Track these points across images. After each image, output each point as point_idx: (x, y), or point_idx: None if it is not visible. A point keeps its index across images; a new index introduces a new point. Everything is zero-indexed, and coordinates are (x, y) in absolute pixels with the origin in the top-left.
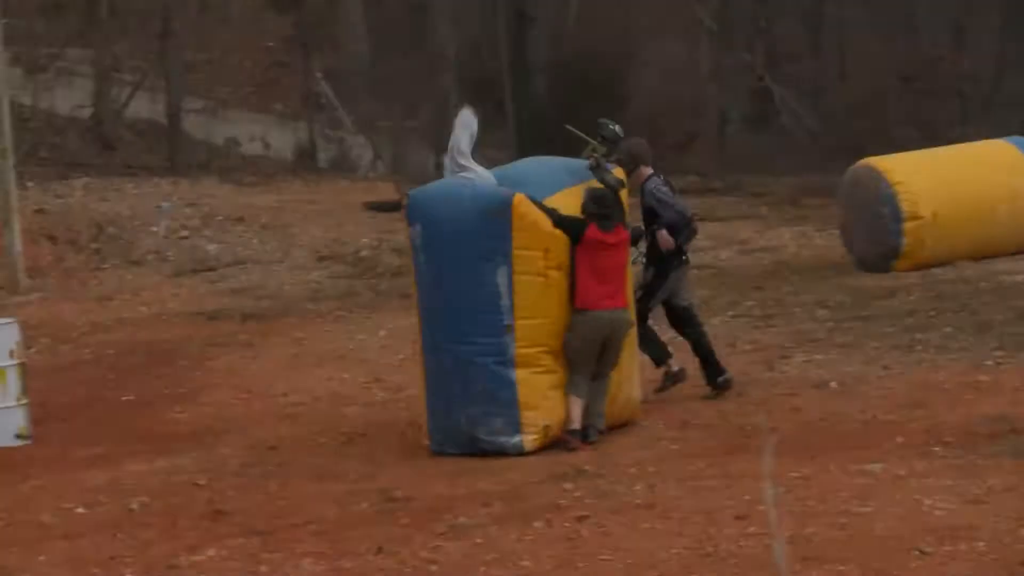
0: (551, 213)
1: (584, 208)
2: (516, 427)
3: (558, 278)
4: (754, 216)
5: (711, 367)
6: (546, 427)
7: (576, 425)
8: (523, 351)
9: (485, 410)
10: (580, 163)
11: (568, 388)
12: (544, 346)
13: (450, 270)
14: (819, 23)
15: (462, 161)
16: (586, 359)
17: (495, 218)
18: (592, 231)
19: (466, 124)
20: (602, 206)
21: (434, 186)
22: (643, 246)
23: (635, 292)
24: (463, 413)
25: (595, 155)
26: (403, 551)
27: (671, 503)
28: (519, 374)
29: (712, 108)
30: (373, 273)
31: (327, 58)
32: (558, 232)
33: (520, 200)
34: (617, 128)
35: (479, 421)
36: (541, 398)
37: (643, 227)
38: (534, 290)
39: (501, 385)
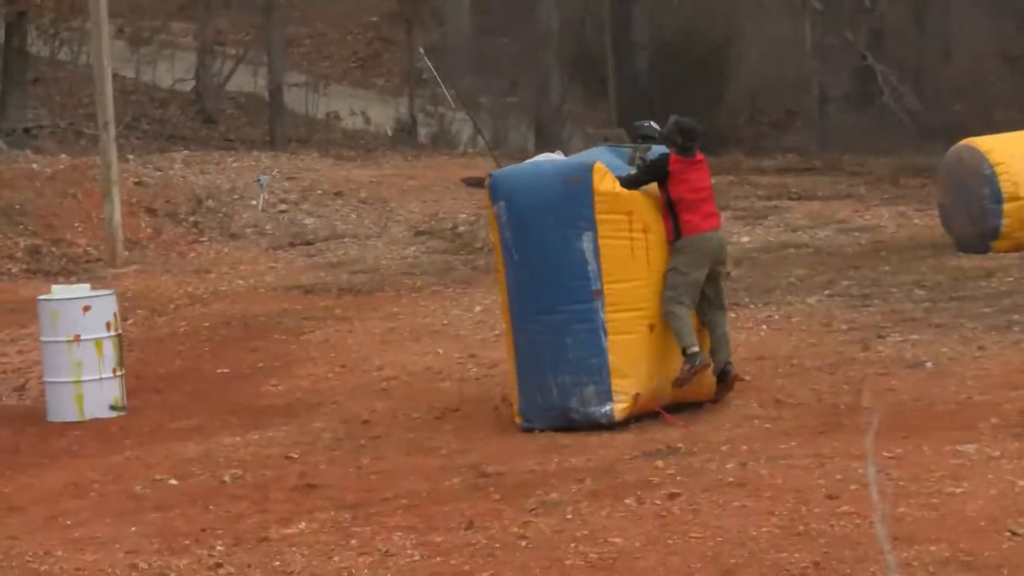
0: (628, 177)
1: (668, 137)
2: (607, 395)
3: (644, 240)
4: (853, 195)
5: None
6: (636, 395)
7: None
8: (613, 316)
9: (576, 379)
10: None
11: (670, 319)
12: (635, 310)
13: (536, 241)
14: (924, 3)
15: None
16: (694, 289)
17: (576, 185)
18: (675, 161)
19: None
20: (684, 136)
21: (515, 165)
22: None
23: None
24: (554, 384)
25: (638, 155)
26: (493, 526)
27: (762, 481)
28: (610, 340)
29: (814, 86)
30: (470, 249)
31: (430, 34)
32: (639, 195)
33: (599, 167)
34: (652, 123)
35: (570, 391)
36: (632, 365)
37: None
38: (621, 254)
39: (592, 352)
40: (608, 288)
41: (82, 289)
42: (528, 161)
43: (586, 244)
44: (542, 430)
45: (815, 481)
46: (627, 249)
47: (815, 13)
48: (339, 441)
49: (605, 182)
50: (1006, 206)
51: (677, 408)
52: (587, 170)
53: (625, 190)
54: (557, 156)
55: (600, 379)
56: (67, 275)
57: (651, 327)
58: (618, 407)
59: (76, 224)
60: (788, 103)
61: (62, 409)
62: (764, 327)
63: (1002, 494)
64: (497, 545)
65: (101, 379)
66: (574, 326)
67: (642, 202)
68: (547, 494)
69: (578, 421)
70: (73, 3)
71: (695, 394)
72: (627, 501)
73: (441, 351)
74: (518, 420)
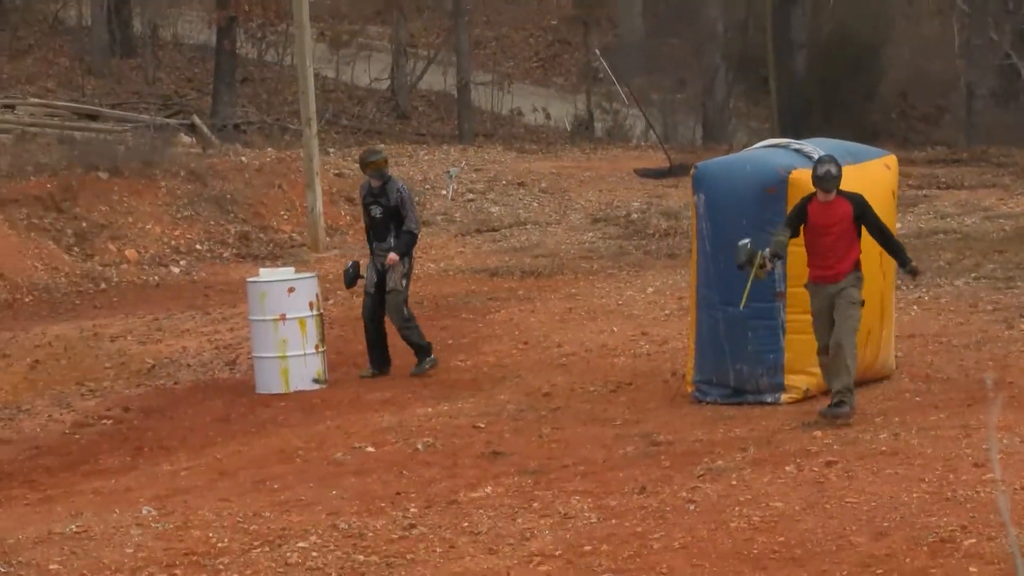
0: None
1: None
2: (780, 387)
3: None
4: (998, 185)
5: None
6: (806, 391)
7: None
8: (793, 316)
9: (752, 370)
10: (858, 145)
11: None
12: None
13: (729, 238)
14: None
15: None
16: None
17: (772, 194)
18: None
19: None
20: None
21: (717, 160)
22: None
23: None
24: (732, 370)
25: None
26: (664, 491)
27: (913, 451)
28: (788, 338)
29: (961, 83)
30: (642, 235)
31: (605, 35)
32: None
33: (796, 177)
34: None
35: (746, 379)
36: (805, 363)
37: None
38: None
39: (770, 348)
40: (791, 291)
41: (287, 272)
42: (747, 151)
43: None
44: (712, 402)
45: (962, 450)
46: None
47: (962, 15)
48: (522, 412)
49: (798, 193)
50: None
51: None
52: (783, 182)
53: None
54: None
55: (775, 373)
56: (273, 259)
57: None
58: (787, 398)
59: (282, 212)
60: (937, 99)
61: (269, 382)
62: (915, 307)
63: None
64: (668, 508)
65: (304, 355)
66: (755, 321)
67: None
68: (713, 461)
69: (749, 402)
70: (278, 9)
71: (868, 367)
72: (787, 468)
73: (615, 329)
74: (690, 389)
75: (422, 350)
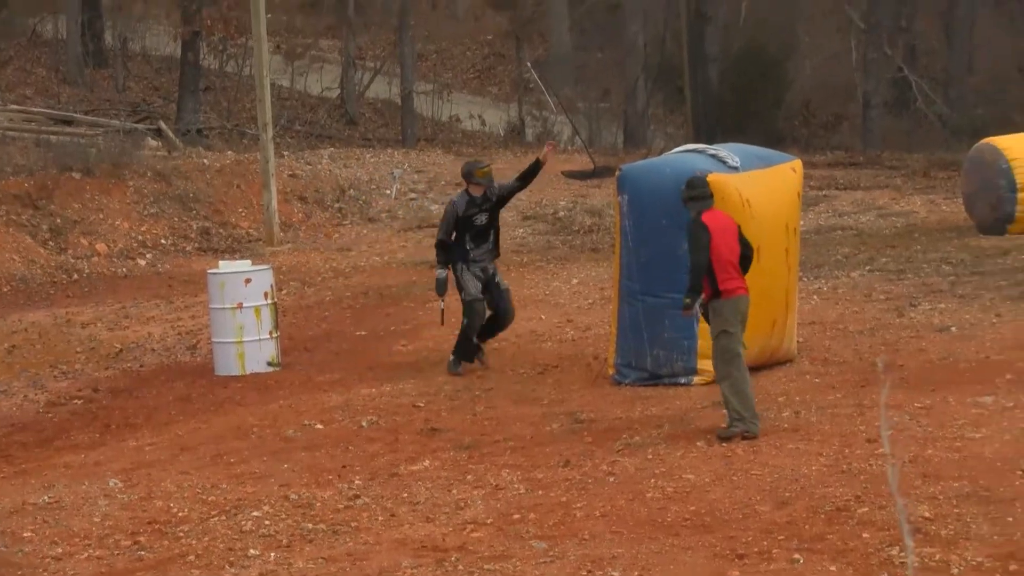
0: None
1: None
2: (693, 371)
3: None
4: (890, 186)
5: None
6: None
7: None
8: None
9: (669, 355)
10: (767, 150)
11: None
12: None
13: (649, 236)
14: (951, 22)
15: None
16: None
17: None
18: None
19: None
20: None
21: (640, 164)
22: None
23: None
24: (649, 355)
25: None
26: (586, 464)
27: (812, 428)
28: (702, 327)
29: (858, 94)
30: (568, 231)
31: (536, 49)
32: (743, 206)
33: (713, 179)
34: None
35: (663, 363)
36: None
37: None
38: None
39: (685, 335)
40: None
41: (244, 264)
42: (666, 155)
43: None
44: (630, 384)
45: (856, 427)
46: None
47: (859, 31)
48: (458, 392)
49: (717, 193)
50: (1020, 195)
51: (766, 368)
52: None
53: (735, 200)
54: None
55: (689, 358)
56: (232, 252)
57: None
58: (699, 380)
59: (240, 210)
60: (836, 108)
61: (227, 365)
62: (815, 297)
63: (1015, 439)
64: (590, 480)
65: (260, 340)
66: (673, 311)
67: (741, 213)
68: (631, 438)
69: (664, 384)
70: (238, 24)
71: (772, 354)
72: (698, 444)
73: (543, 317)
74: (611, 372)
75: (468, 353)
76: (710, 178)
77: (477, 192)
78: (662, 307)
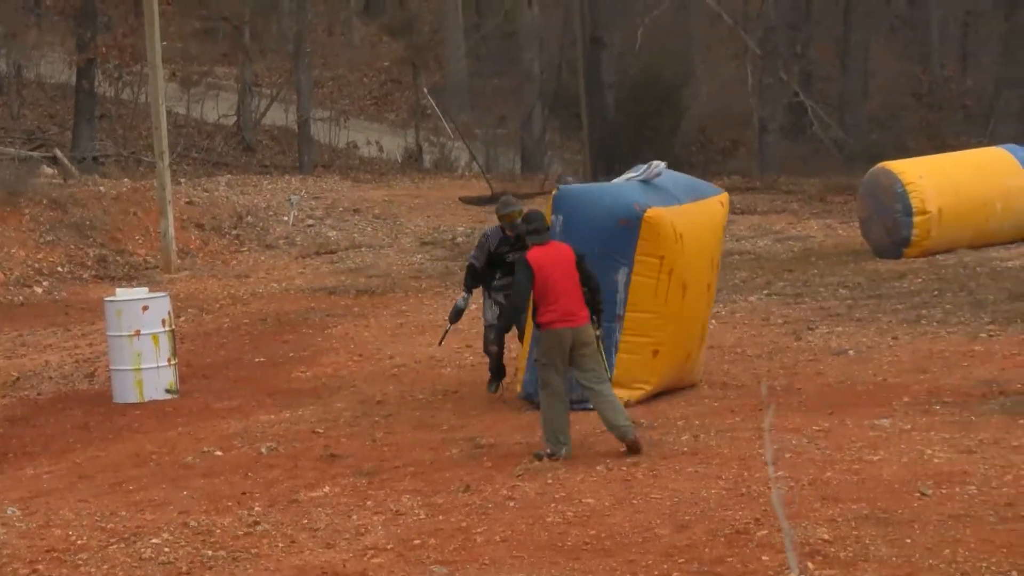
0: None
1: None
2: None
3: (667, 282)
4: (787, 210)
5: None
6: (627, 402)
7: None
8: (627, 339)
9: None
10: (699, 181)
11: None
12: (645, 336)
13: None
14: (846, 48)
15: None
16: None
17: (624, 226)
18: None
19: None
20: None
21: (580, 187)
22: None
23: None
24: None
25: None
26: (487, 489)
27: (712, 451)
28: (618, 357)
29: (754, 119)
30: (466, 256)
31: (432, 76)
32: (672, 242)
33: (650, 215)
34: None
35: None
36: (631, 379)
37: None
38: (646, 290)
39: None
40: (628, 315)
41: (141, 292)
42: (593, 185)
43: (621, 277)
44: (534, 403)
45: (755, 451)
46: (652, 287)
47: (755, 57)
48: (357, 418)
49: (651, 229)
50: (915, 219)
51: (666, 393)
52: (638, 218)
53: (667, 235)
54: (636, 174)
55: None
56: (129, 280)
57: (655, 352)
58: None
59: (137, 237)
60: (733, 133)
61: (125, 392)
62: (713, 321)
63: (913, 461)
64: (490, 505)
65: (158, 367)
66: None
67: (674, 249)
68: (531, 462)
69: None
70: (134, 51)
71: (680, 382)
72: (598, 468)
73: (442, 344)
74: (518, 389)
75: (500, 373)
76: (649, 212)
77: (510, 232)
78: None
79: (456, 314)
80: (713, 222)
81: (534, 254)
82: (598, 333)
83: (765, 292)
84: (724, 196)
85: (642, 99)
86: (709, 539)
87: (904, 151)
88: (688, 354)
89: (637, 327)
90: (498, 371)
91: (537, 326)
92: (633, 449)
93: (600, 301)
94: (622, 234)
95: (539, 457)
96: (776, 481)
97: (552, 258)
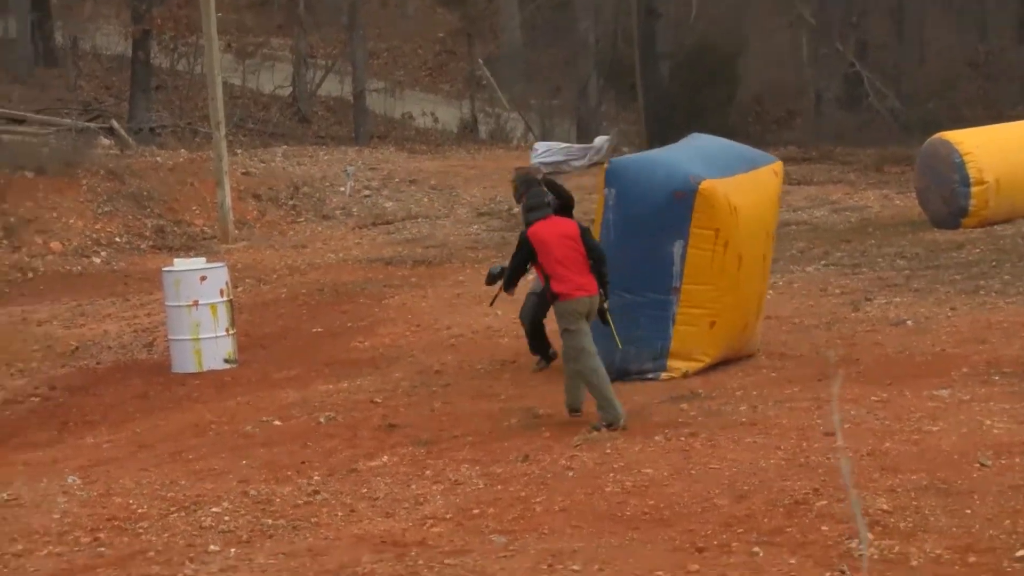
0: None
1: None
2: (662, 369)
3: (723, 254)
4: (844, 181)
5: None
6: (685, 374)
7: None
8: (684, 311)
9: (639, 352)
10: (752, 150)
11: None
12: (702, 308)
13: (635, 232)
14: (902, 18)
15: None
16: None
17: (681, 199)
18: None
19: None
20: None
21: (632, 158)
22: None
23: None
24: (619, 350)
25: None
26: (545, 459)
27: (770, 421)
28: (676, 329)
29: (810, 90)
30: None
31: (487, 46)
32: (726, 214)
33: (705, 187)
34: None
35: (632, 359)
36: (688, 351)
37: None
38: (702, 262)
39: (659, 335)
40: (684, 287)
41: (199, 262)
42: (644, 155)
43: (676, 249)
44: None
45: (814, 420)
46: (708, 259)
47: (810, 27)
48: (415, 388)
49: (706, 201)
50: (973, 189)
51: (724, 363)
52: (693, 191)
53: (721, 207)
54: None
55: (660, 357)
56: (187, 250)
57: (712, 324)
58: (666, 376)
59: (194, 208)
60: (788, 104)
61: (184, 362)
62: (770, 292)
63: (972, 431)
64: (548, 475)
65: (216, 337)
66: (649, 311)
67: (729, 220)
68: (590, 432)
69: (631, 380)
70: (189, 22)
71: (737, 352)
72: (657, 438)
73: (499, 312)
74: None
75: (545, 348)
76: (704, 184)
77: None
78: (639, 305)
79: (490, 278)
80: (767, 192)
81: (535, 229)
82: (605, 305)
83: (823, 263)
84: (778, 165)
85: (697, 69)
86: (768, 509)
87: (960, 121)
88: (745, 325)
89: (694, 299)
90: (543, 348)
91: (554, 297)
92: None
93: (606, 273)
94: (677, 207)
95: (596, 428)
96: (842, 451)
97: (554, 232)
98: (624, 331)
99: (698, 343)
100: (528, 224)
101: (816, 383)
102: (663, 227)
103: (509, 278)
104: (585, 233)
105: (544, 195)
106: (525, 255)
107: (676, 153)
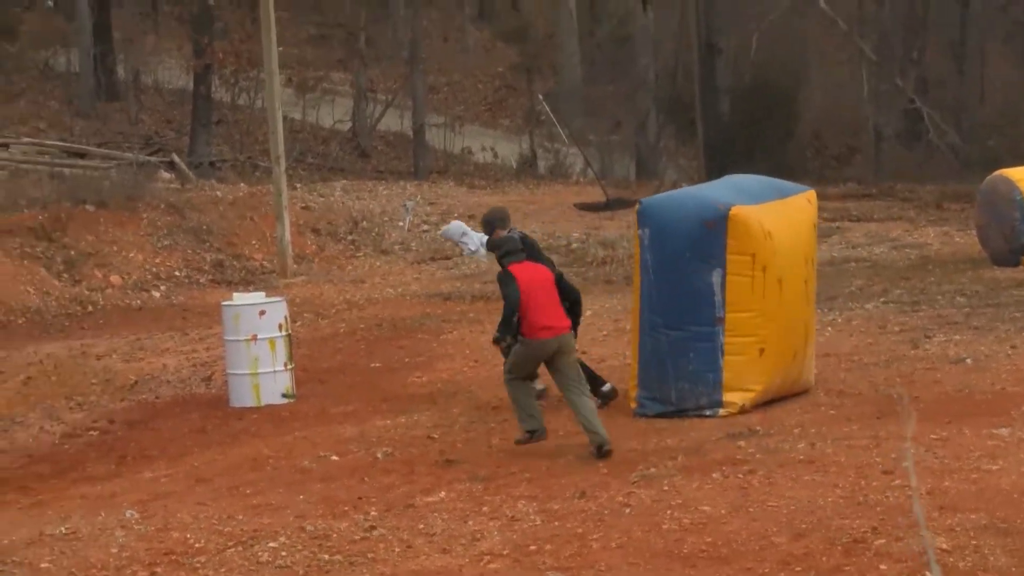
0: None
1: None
2: (718, 404)
3: (763, 278)
4: (903, 217)
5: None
6: (742, 407)
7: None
8: (730, 340)
9: (693, 388)
10: (782, 181)
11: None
12: (749, 336)
13: (672, 267)
14: (962, 53)
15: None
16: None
17: (712, 228)
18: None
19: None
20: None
21: (661, 196)
22: None
23: None
24: (674, 388)
25: None
26: (602, 496)
27: (828, 459)
28: (726, 360)
29: (869, 126)
30: (582, 262)
31: (547, 82)
32: (761, 238)
33: (735, 214)
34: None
35: (687, 396)
36: (741, 382)
37: None
38: (743, 288)
39: (709, 368)
40: (729, 316)
41: (258, 296)
42: (674, 192)
43: (715, 278)
44: (653, 417)
45: (873, 459)
46: (748, 285)
47: (870, 63)
48: (472, 424)
49: (738, 226)
50: None
51: (782, 399)
52: (723, 218)
53: (756, 231)
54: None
55: (714, 391)
56: (246, 284)
57: (761, 351)
58: (724, 412)
59: (253, 242)
60: (848, 139)
61: (242, 396)
62: (829, 329)
63: None
64: (606, 511)
65: (275, 371)
66: (697, 344)
67: (765, 244)
68: (647, 469)
69: (689, 416)
70: (250, 56)
71: (792, 385)
72: (714, 475)
73: None
74: (633, 405)
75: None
76: (734, 210)
77: None
78: (686, 340)
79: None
80: (802, 218)
81: (515, 268)
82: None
83: (882, 300)
84: (811, 194)
85: (756, 105)
86: (826, 548)
87: (1021, 158)
88: (794, 352)
89: (739, 327)
90: (592, 380)
91: (520, 335)
92: (602, 455)
93: (580, 313)
94: (710, 236)
95: (520, 442)
96: (913, 491)
97: (531, 274)
98: (676, 367)
99: (750, 371)
100: (504, 268)
101: (875, 421)
102: (700, 258)
103: (507, 320)
104: (560, 278)
105: (513, 240)
106: (513, 288)
107: (706, 187)
